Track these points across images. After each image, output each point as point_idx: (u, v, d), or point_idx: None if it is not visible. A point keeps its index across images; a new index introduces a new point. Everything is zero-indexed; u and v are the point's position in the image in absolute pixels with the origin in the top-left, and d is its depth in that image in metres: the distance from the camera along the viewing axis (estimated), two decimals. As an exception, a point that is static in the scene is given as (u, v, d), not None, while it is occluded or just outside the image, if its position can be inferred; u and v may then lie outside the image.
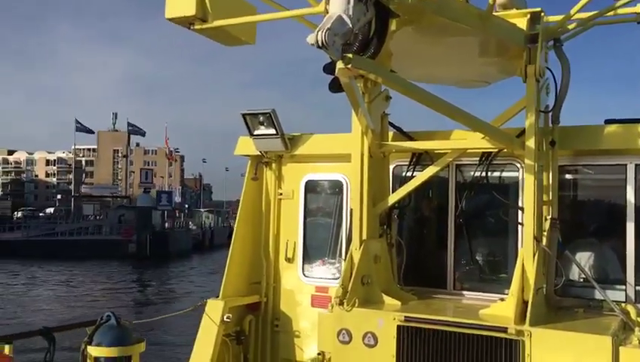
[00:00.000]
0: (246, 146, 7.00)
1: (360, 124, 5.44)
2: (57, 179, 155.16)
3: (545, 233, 5.34)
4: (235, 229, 7.13)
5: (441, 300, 6.04)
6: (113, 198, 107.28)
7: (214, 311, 6.49)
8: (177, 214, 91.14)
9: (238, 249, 7.05)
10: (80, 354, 5.08)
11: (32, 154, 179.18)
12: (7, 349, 4.86)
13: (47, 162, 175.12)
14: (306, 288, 6.94)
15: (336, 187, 6.88)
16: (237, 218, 7.22)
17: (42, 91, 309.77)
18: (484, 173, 5.92)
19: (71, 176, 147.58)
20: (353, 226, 5.66)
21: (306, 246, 7.06)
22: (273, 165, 7.13)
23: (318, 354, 5.42)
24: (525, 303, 4.91)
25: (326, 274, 6.94)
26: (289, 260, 7.08)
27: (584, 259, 5.72)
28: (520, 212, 5.71)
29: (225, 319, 6.48)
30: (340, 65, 4.10)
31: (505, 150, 5.67)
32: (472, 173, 6.06)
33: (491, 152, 5.85)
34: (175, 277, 47.31)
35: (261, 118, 6.60)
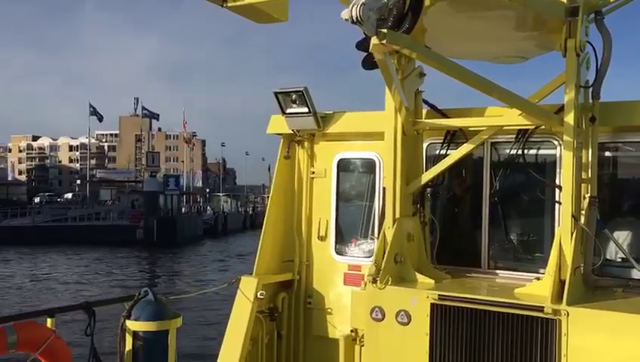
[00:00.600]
0: (278, 125, 7.01)
1: (393, 101, 5.38)
2: (80, 165, 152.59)
3: (583, 211, 5.23)
4: (267, 208, 7.18)
5: (475, 279, 5.99)
6: (128, 183, 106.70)
7: (248, 288, 6.58)
8: (197, 199, 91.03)
9: (270, 227, 7.10)
10: (119, 328, 5.21)
11: (56, 140, 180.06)
12: (49, 322, 5.02)
13: (70, 148, 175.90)
14: (338, 266, 6.96)
15: (369, 165, 6.85)
16: (270, 196, 7.27)
17: (69, 77, 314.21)
18: (520, 151, 5.81)
19: (93, 162, 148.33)
20: (386, 205, 5.64)
21: (338, 224, 7.08)
22: (305, 144, 7.13)
23: (351, 331, 5.45)
24: (562, 282, 4.84)
25: (358, 253, 6.96)
26: (321, 238, 7.11)
27: (623, 237, 5.59)
28: (557, 190, 5.60)
29: (258, 296, 6.56)
30: (374, 40, 4.06)
31: (542, 127, 5.55)
32: (507, 151, 5.96)
33: (528, 129, 5.73)
34: (178, 265, 44.73)
35: (294, 96, 6.58)
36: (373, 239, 6.56)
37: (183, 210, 73.59)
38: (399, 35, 4.02)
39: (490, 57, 6.04)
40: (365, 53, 4.80)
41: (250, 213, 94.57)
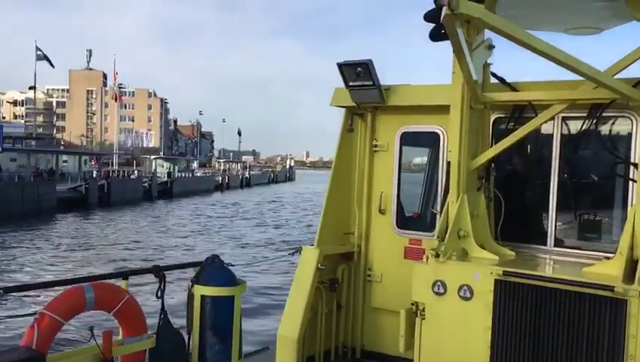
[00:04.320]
0: (341, 97, 7.00)
1: (462, 73, 5.28)
2: (25, 122, 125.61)
3: None
4: (330, 180, 7.23)
5: (540, 257, 5.89)
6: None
7: (309, 259, 6.69)
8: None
9: (332, 199, 7.16)
10: (187, 292, 5.42)
11: (4, 94, 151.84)
12: (123, 284, 5.28)
13: (15, 103, 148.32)
14: (399, 240, 6.97)
15: (433, 139, 6.78)
16: (332, 169, 7.31)
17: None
18: (593, 126, 5.61)
19: (40, 119, 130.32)
20: (451, 179, 5.58)
21: (400, 198, 7.06)
22: (368, 116, 7.11)
23: (412, 304, 5.48)
24: (634, 262, 4.69)
25: (420, 227, 6.94)
26: (382, 212, 7.12)
27: None
28: (632, 167, 5.39)
29: (319, 266, 6.67)
30: (446, 10, 3.98)
31: (618, 101, 5.33)
32: (579, 126, 5.76)
33: (602, 104, 5.52)
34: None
35: (358, 69, 6.55)
36: (435, 213, 6.53)
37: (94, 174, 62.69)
38: (472, 5, 3.93)
39: (564, 28, 5.83)
40: (433, 25, 4.73)
41: (167, 180, 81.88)
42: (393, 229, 7.06)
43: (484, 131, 5.97)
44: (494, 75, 5.98)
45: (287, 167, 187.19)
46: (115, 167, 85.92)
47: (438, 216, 6.07)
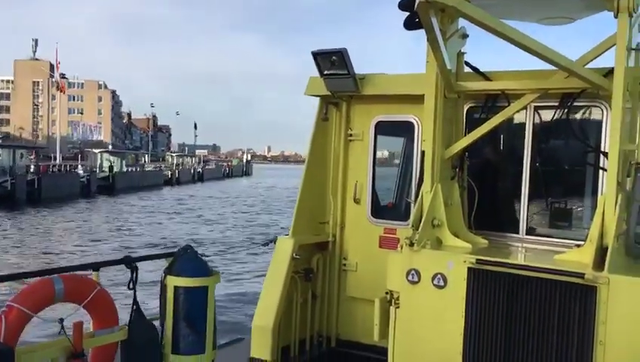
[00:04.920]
0: (316, 86, 6.96)
1: (436, 62, 5.28)
2: None
3: (629, 178, 5.11)
4: (304, 170, 7.20)
5: (513, 245, 5.95)
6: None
7: (284, 249, 6.66)
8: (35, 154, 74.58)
9: (307, 189, 7.13)
10: (160, 283, 5.35)
11: None
12: (94, 276, 5.19)
13: None
14: (374, 229, 6.99)
15: (408, 128, 6.78)
16: (306, 158, 7.27)
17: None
18: (564, 116, 5.67)
19: None
20: (425, 168, 5.59)
21: (374, 187, 7.07)
22: (343, 106, 7.08)
23: (386, 293, 5.49)
24: (604, 250, 4.77)
25: (395, 216, 6.96)
26: (357, 201, 7.12)
27: None
28: (602, 156, 5.47)
29: (294, 256, 6.65)
30: None
31: (589, 91, 5.39)
32: (551, 116, 5.82)
33: (574, 93, 5.58)
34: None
35: (333, 58, 6.52)
36: (409, 203, 6.55)
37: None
38: None
39: (537, 18, 5.86)
40: (407, 14, 4.71)
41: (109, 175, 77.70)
42: (368, 218, 7.07)
43: (458, 120, 5.99)
44: (468, 65, 5.99)
45: (245, 161, 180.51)
46: (58, 161, 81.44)
47: (412, 205, 6.09)
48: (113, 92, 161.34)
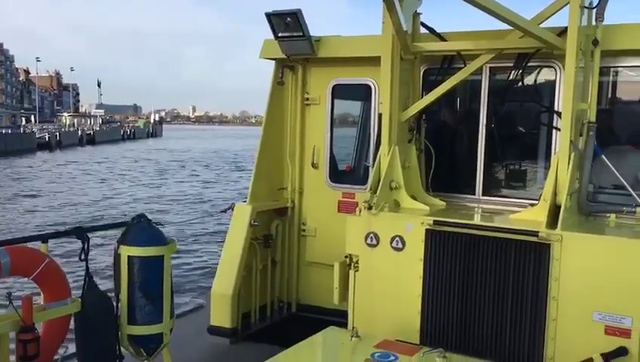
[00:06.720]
0: (271, 49, 6.79)
1: (392, 23, 5.19)
2: None
3: (581, 137, 5.18)
4: (261, 135, 7.07)
5: (469, 206, 6.01)
6: None
7: (242, 215, 6.58)
8: None
9: (264, 154, 7.02)
10: (113, 253, 5.19)
11: None
12: (43, 247, 4.98)
13: None
14: (332, 194, 6.95)
15: (365, 91, 6.71)
16: (263, 123, 7.14)
17: None
18: (519, 76, 5.68)
19: None
20: (382, 131, 5.55)
21: (332, 152, 7.01)
22: (299, 69, 6.94)
23: (345, 256, 5.49)
24: (557, 208, 4.85)
25: (353, 181, 6.93)
26: (315, 166, 7.06)
27: (620, 164, 5.58)
28: (556, 116, 5.53)
29: (252, 223, 6.57)
30: None
31: (543, 50, 5.41)
32: (506, 76, 5.83)
33: (528, 53, 5.59)
34: None
35: (287, 19, 6.34)
36: (368, 166, 6.52)
37: None
38: None
39: None
40: None
41: None
42: (326, 183, 7.03)
43: (415, 83, 5.95)
44: (424, 25, 5.92)
45: (152, 121, 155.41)
46: None
47: (370, 168, 6.07)
48: (0, 45, 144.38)
